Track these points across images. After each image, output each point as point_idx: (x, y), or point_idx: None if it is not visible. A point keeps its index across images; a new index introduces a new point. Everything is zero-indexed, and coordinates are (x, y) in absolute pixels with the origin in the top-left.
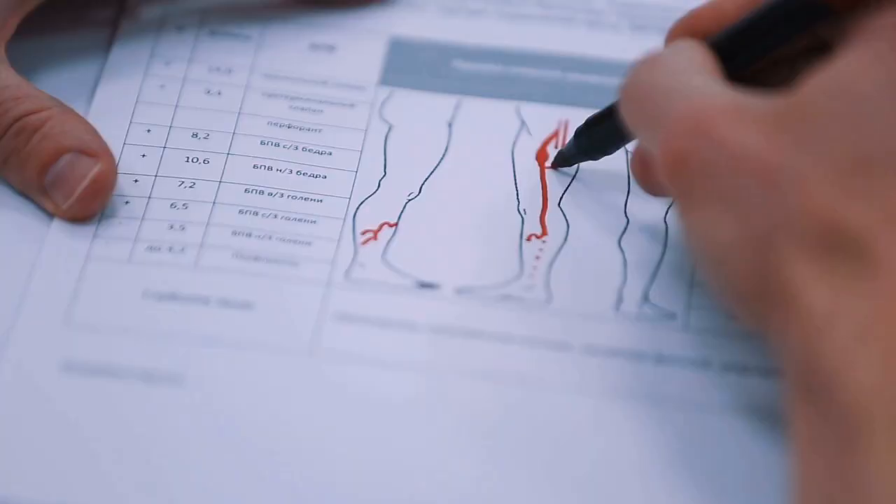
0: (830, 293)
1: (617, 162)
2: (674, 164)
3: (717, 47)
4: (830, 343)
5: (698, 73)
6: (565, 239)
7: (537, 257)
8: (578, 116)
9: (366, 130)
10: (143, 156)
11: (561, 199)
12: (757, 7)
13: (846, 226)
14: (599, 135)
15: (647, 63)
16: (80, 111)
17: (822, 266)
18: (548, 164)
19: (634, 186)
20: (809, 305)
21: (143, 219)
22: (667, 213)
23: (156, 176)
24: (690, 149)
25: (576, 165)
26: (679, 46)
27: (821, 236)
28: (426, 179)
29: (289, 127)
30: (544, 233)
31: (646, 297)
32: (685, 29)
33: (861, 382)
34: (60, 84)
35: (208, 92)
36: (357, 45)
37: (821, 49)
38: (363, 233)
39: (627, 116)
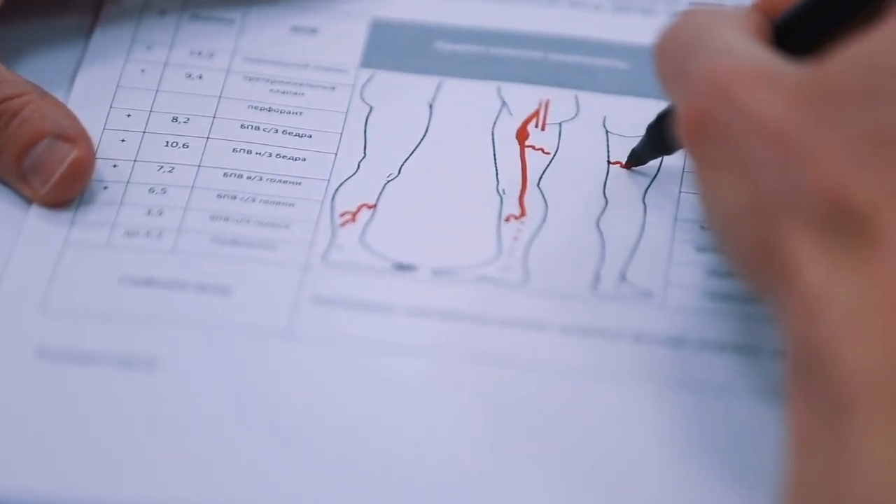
0: (829, 269)
1: (596, 142)
2: (693, 123)
3: (781, 26)
4: (826, 319)
5: (735, 32)
6: (544, 219)
7: (515, 238)
8: (559, 96)
9: (346, 112)
10: (123, 141)
11: (540, 179)
12: None
13: (852, 202)
14: (671, 128)
15: (685, 16)
16: (61, 96)
17: (823, 241)
18: (620, 167)
19: (613, 167)
20: (808, 280)
21: (121, 204)
22: (645, 193)
23: (135, 161)
24: (710, 110)
25: (555, 145)
26: (724, 8)
27: (826, 212)
28: (406, 160)
29: (269, 110)
30: (523, 213)
31: (623, 277)
32: (758, 8)
33: (854, 359)
34: (42, 69)
35: (189, 76)
36: (338, 27)
37: None
38: (341, 214)
39: (657, 68)
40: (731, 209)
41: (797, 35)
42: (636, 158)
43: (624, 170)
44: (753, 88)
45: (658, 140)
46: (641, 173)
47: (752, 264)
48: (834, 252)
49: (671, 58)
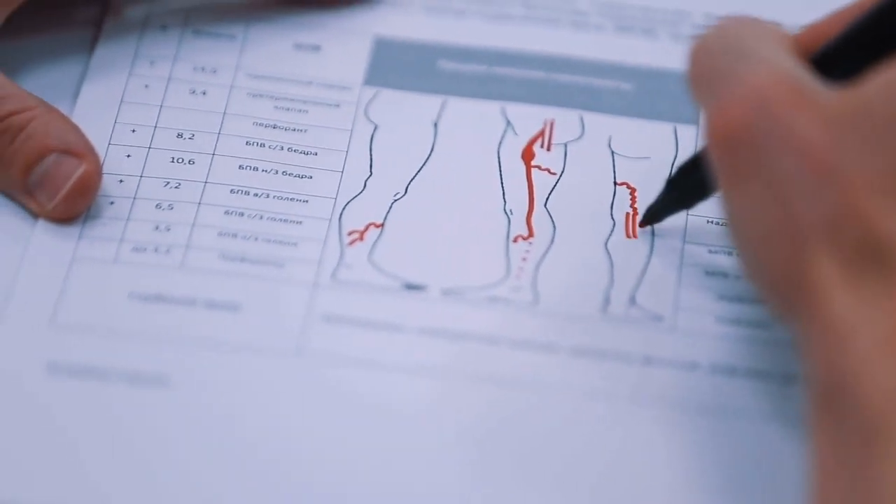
0: (857, 297)
1: (602, 163)
2: (725, 131)
3: (815, 61)
4: (852, 346)
5: (774, 43)
6: (552, 240)
7: (524, 258)
8: (564, 116)
9: (351, 130)
10: (128, 156)
11: (547, 199)
12: (852, 20)
13: (882, 236)
14: (695, 180)
15: (723, 25)
16: (65, 111)
17: (852, 271)
18: (638, 220)
19: (620, 188)
20: (835, 307)
21: (128, 219)
22: None
23: (141, 176)
24: (747, 118)
25: (561, 166)
26: (760, 19)
27: (856, 243)
28: (412, 179)
29: (274, 127)
30: (531, 234)
31: (633, 300)
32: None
33: (881, 386)
34: (44, 84)
35: (193, 92)
36: (342, 45)
37: None
38: (349, 233)
39: (690, 71)
40: (759, 230)
41: (835, 67)
42: (652, 216)
43: (629, 191)
44: (794, 105)
45: (681, 194)
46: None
47: (775, 286)
48: (862, 282)
49: (707, 61)
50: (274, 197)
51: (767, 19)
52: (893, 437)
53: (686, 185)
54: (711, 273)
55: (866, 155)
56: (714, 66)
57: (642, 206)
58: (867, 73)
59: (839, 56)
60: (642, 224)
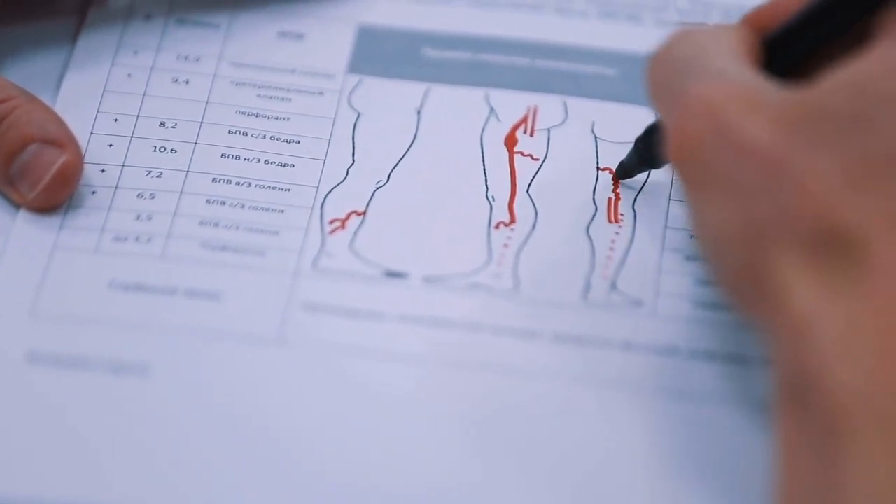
0: (819, 293)
1: (585, 148)
2: (680, 145)
3: (769, 42)
4: (816, 342)
5: (725, 54)
6: (533, 226)
7: (505, 245)
8: (548, 102)
9: (334, 118)
10: (111, 145)
11: (529, 185)
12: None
13: (842, 226)
14: (659, 141)
15: (678, 36)
16: (48, 100)
17: (812, 265)
18: (609, 174)
19: (603, 173)
20: (797, 304)
21: (109, 209)
22: (634, 200)
23: (123, 165)
24: (698, 132)
25: (544, 151)
26: (717, 26)
27: (815, 235)
28: (394, 167)
29: (257, 116)
30: (512, 220)
31: (613, 285)
32: (748, 24)
33: (844, 384)
34: (27, 73)
35: (176, 81)
36: (325, 32)
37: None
38: (331, 221)
39: (649, 85)
40: (719, 232)
41: (787, 52)
42: (624, 171)
43: (612, 175)
44: (741, 112)
45: (646, 153)
46: (630, 181)
47: (740, 288)
48: (823, 276)
49: (663, 77)
50: (256, 185)
51: (718, 23)
52: (856, 433)
53: (652, 143)
54: (692, 258)
55: (822, 151)
56: (669, 80)
57: (624, 191)
58: (818, 67)
59: (789, 41)
60: (615, 178)
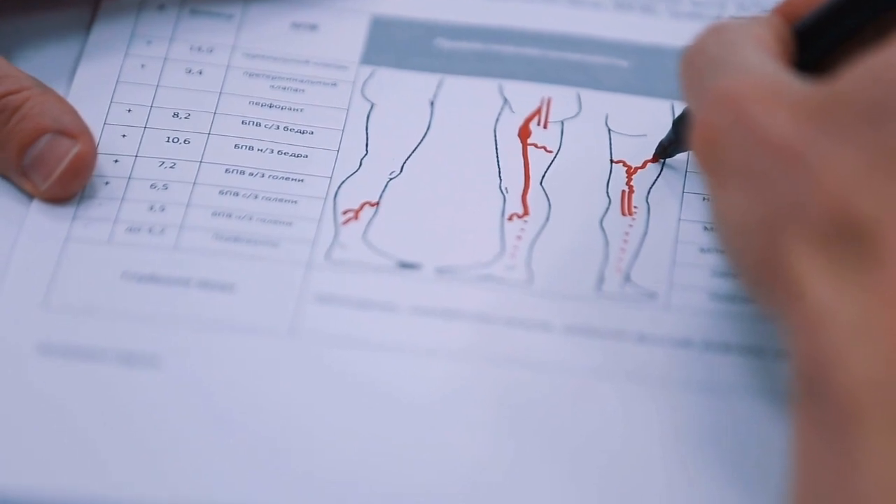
0: (833, 284)
1: (598, 141)
2: (704, 137)
3: (801, 31)
4: (830, 334)
5: (752, 49)
6: (547, 218)
7: (518, 237)
8: (561, 94)
9: (347, 109)
10: (124, 136)
11: (543, 177)
12: None
13: (856, 217)
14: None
15: (709, 31)
16: (61, 91)
17: (827, 256)
18: (623, 166)
19: (616, 166)
20: (812, 295)
21: (122, 199)
22: (648, 193)
23: (136, 156)
24: (721, 124)
25: (558, 143)
26: (747, 20)
27: (830, 226)
28: (408, 158)
29: (270, 106)
30: (526, 212)
31: (627, 277)
32: (779, 13)
33: (856, 376)
34: (41, 64)
35: (189, 71)
36: (339, 23)
37: None
38: (344, 212)
39: (682, 82)
40: (737, 223)
41: (818, 40)
42: (663, 151)
43: (625, 168)
44: (763, 104)
45: (684, 134)
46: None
47: (758, 280)
48: (838, 267)
49: (693, 73)
50: (269, 176)
51: (747, 18)
52: (870, 423)
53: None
54: (706, 250)
55: (840, 142)
56: (698, 76)
57: (638, 183)
58: (849, 55)
59: (824, 25)
60: (653, 158)
